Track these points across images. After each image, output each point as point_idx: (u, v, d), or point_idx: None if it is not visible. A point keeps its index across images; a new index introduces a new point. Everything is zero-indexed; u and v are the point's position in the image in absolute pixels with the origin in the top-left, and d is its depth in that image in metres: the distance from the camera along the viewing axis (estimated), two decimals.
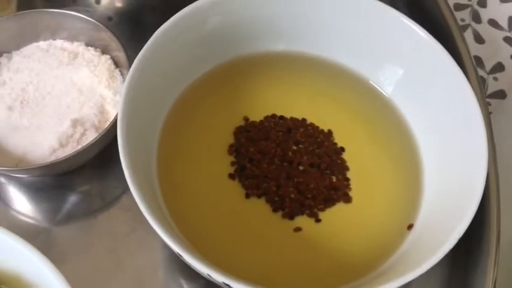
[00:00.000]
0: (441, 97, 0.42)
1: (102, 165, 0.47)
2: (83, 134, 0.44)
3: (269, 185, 0.42)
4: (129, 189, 0.35)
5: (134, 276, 0.43)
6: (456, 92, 0.41)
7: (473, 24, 0.60)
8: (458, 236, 0.34)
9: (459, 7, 0.60)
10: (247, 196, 0.42)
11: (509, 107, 0.55)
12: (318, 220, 0.41)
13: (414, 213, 0.41)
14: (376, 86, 0.46)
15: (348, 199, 0.42)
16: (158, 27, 0.41)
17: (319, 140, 0.44)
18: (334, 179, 0.43)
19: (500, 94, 0.57)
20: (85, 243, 0.44)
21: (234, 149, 0.43)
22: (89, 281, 0.42)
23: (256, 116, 0.45)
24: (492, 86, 0.57)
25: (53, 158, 0.43)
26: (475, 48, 0.58)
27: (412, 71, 0.44)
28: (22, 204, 0.46)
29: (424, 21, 0.43)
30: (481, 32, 0.59)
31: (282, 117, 0.45)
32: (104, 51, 0.49)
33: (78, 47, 0.49)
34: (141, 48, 0.40)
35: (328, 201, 0.42)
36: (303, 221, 0.41)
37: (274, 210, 0.41)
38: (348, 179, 0.43)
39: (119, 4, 0.57)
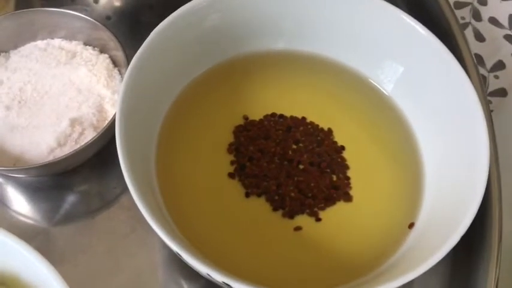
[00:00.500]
0: (442, 95, 0.42)
1: (101, 164, 0.47)
2: (81, 134, 0.44)
3: (269, 184, 0.42)
4: (128, 189, 0.34)
5: (133, 276, 0.43)
6: (457, 89, 0.40)
7: (473, 22, 0.60)
8: (460, 234, 0.34)
9: (459, 5, 0.60)
10: (247, 195, 0.41)
11: (511, 105, 0.55)
12: (318, 219, 0.41)
13: (415, 212, 0.41)
14: (376, 84, 0.46)
15: (348, 198, 0.42)
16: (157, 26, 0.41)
17: (319, 138, 0.44)
18: (334, 177, 0.42)
19: (502, 92, 0.56)
20: (84, 244, 0.44)
21: (234, 148, 0.43)
22: (88, 281, 0.42)
23: (256, 115, 0.45)
24: (493, 84, 0.57)
25: (51, 158, 0.42)
26: (475, 47, 0.58)
27: (412, 68, 0.44)
28: (20, 204, 0.46)
29: (424, 20, 0.43)
30: (481, 30, 0.59)
31: (281, 115, 0.45)
32: (102, 50, 0.49)
33: (76, 46, 0.49)
34: (139, 47, 0.40)
35: (329, 200, 0.41)
36: (303, 220, 0.41)
37: (274, 209, 0.41)
38: (348, 178, 0.42)
39: (117, 3, 0.57)
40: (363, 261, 0.39)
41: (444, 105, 0.42)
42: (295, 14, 0.45)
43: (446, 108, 0.41)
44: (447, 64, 0.41)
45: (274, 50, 0.47)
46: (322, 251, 0.40)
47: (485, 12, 0.60)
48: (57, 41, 0.49)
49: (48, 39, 0.49)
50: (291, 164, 0.43)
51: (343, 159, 0.43)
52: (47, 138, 0.43)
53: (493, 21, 0.60)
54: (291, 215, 0.41)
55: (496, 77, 0.57)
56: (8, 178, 0.46)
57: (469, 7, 0.60)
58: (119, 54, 0.46)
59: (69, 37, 0.49)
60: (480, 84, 0.47)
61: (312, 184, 0.42)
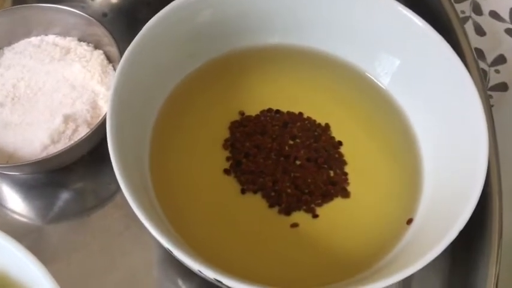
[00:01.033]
0: (440, 88, 0.41)
1: (96, 162, 0.46)
2: (75, 130, 0.43)
3: (265, 180, 0.41)
4: None
5: (128, 275, 0.42)
6: (456, 82, 0.40)
7: (473, 16, 0.59)
8: (458, 229, 0.33)
9: None
10: (243, 192, 0.41)
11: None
12: (315, 216, 0.40)
13: (414, 208, 0.40)
14: (373, 77, 0.45)
15: (346, 194, 0.41)
16: None
17: (316, 134, 0.43)
18: (331, 173, 0.42)
19: (502, 87, 0.56)
20: (78, 242, 0.43)
21: (230, 144, 0.42)
22: (82, 280, 0.42)
23: (252, 111, 0.44)
24: (494, 79, 0.56)
25: (44, 155, 0.42)
26: (476, 41, 0.57)
27: (409, 61, 0.43)
28: (14, 202, 0.45)
29: (423, 14, 0.42)
30: (482, 24, 0.58)
31: (278, 111, 0.44)
32: (97, 47, 0.48)
33: (71, 42, 0.48)
34: None
35: (326, 196, 0.41)
36: (300, 216, 0.40)
37: (271, 205, 0.40)
38: (345, 174, 0.42)
39: (114, 0, 0.56)
40: (361, 257, 0.39)
41: (442, 98, 0.41)
42: (290, 8, 0.44)
43: (444, 102, 0.41)
44: (445, 57, 0.40)
45: (270, 45, 0.46)
46: (319, 247, 0.39)
47: (486, 5, 0.59)
48: (51, 37, 0.48)
49: (42, 35, 0.49)
50: (288, 160, 0.42)
51: (341, 155, 0.43)
52: (40, 135, 0.43)
53: (494, 14, 0.59)
54: (287, 211, 0.40)
55: (497, 71, 0.56)
56: (1, 176, 0.46)
57: (469, 1, 0.60)
58: (113, 50, 0.46)
59: (64, 33, 0.49)
60: (480, 78, 0.46)
61: (309, 180, 0.41)
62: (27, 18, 0.48)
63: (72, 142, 0.42)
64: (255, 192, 0.41)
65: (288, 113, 0.44)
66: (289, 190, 0.41)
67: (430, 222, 0.37)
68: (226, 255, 0.38)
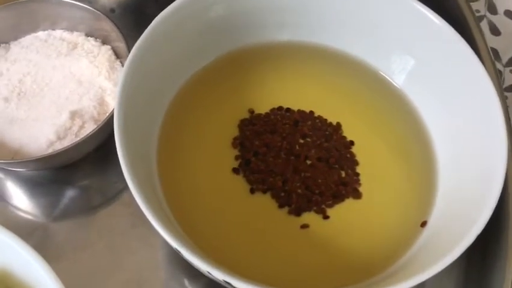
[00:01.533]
0: (456, 88, 0.40)
1: (102, 159, 0.46)
2: (81, 127, 0.43)
3: (275, 179, 0.40)
4: None
5: (134, 274, 0.42)
6: (473, 82, 0.39)
7: (488, 15, 0.58)
8: (475, 234, 0.32)
9: None
10: (252, 191, 0.40)
11: None
12: (326, 217, 0.39)
13: (428, 210, 0.39)
14: (386, 76, 0.45)
15: (357, 195, 0.40)
16: None
17: (327, 133, 0.42)
18: (343, 173, 0.41)
19: None
20: (83, 240, 0.43)
21: (239, 142, 0.42)
22: (87, 279, 0.41)
23: (262, 109, 0.43)
24: (509, 79, 0.55)
25: (50, 151, 0.41)
26: (490, 40, 0.56)
27: (425, 60, 0.42)
28: (19, 199, 0.45)
29: (438, 12, 0.41)
30: (497, 24, 0.57)
31: (288, 109, 0.43)
32: (105, 42, 0.48)
33: (78, 37, 0.48)
34: None
35: (337, 197, 0.40)
36: (310, 217, 0.39)
37: (280, 206, 0.40)
38: (357, 174, 0.41)
39: None
40: (373, 261, 0.38)
41: (459, 98, 0.40)
42: (302, 4, 0.43)
43: (461, 102, 0.40)
44: (463, 55, 0.39)
45: (281, 41, 0.46)
46: (330, 249, 0.38)
47: (501, 5, 0.58)
48: (58, 32, 0.48)
49: (49, 30, 0.48)
50: (298, 160, 0.41)
51: (352, 155, 0.42)
52: (46, 132, 0.42)
53: (509, 14, 0.58)
54: (297, 212, 0.39)
55: None
56: (7, 172, 0.45)
57: (484, 0, 0.58)
58: (121, 46, 0.45)
59: (71, 28, 0.48)
60: (497, 78, 0.45)
61: (320, 180, 0.40)
62: (35, 12, 0.47)
63: (78, 139, 0.41)
64: (264, 192, 0.40)
65: (299, 111, 0.43)
66: (299, 190, 0.40)
67: (445, 226, 0.36)
68: (234, 256, 0.38)
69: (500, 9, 0.58)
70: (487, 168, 0.36)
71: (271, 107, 0.43)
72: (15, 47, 0.47)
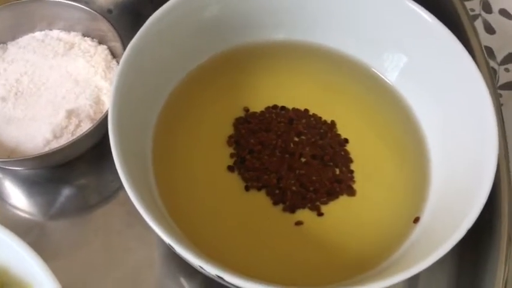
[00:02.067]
0: (449, 85, 0.40)
1: (99, 158, 0.46)
2: (77, 126, 0.43)
3: (270, 177, 0.40)
4: None
5: (130, 272, 0.42)
6: (465, 80, 0.39)
7: (483, 14, 0.58)
8: (466, 228, 0.32)
9: None
10: (247, 189, 0.40)
11: None
12: (320, 214, 0.40)
13: (421, 206, 0.39)
14: (379, 74, 0.45)
15: (351, 192, 0.40)
16: None
17: (322, 131, 0.43)
18: (337, 171, 0.41)
19: None
20: (80, 238, 0.43)
21: (234, 140, 0.42)
22: (83, 276, 0.41)
23: (257, 107, 0.44)
24: (503, 77, 0.55)
25: (46, 150, 0.41)
26: (485, 39, 0.56)
27: (417, 58, 0.42)
28: (16, 197, 0.45)
29: (432, 11, 0.41)
30: (491, 22, 0.58)
31: (283, 107, 0.44)
32: (101, 42, 0.48)
33: (75, 37, 0.48)
34: None
35: (331, 194, 0.40)
36: (304, 214, 0.39)
37: (275, 203, 0.40)
38: (351, 171, 0.41)
39: None
40: (367, 256, 0.38)
41: (451, 96, 0.40)
42: (296, 4, 0.44)
43: (453, 99, 0.40)
44: (455, 53, 0.39)
45: (276, 40, 0.46)
46: (324, 246, 0.38)
47: (496, 3, 0.59)
48: (55, 32, 0.48)
49: (46, 30, 0.48)
50: (293, 157, 0.41)
51: (347, 152, 0.42)
52: (42, 130, 0.42)
53: (504, 13, 0.58)
54: (292, 209, 0.40)
55: (507, 70, 0.55)
56: (4, 171, 0.46)
57: None
58: (118, 46, 0.46)
59: (68, 28, 0.48)
60: (490, 76, 0.46)
61: (314, 178, 0.41)
62: (32, 12, 0.47)
63: (74, 137, 0.41)
64: (259, 189, 0.40)
65: (294, 109, 0.44)
66: (294, 188, 0.40)
67: (437, 221, 0.37)
68: (230, 253, 0.38)
69: (495, 8, 0.59)
70: (478, 164, 0.36)
71: (266, 106, 0.44)
72: (12, 47, 0.47)
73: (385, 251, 0.38)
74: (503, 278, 0.38)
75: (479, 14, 0.58)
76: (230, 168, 0.41)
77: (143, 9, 0.55)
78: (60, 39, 0.48)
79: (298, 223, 0.39)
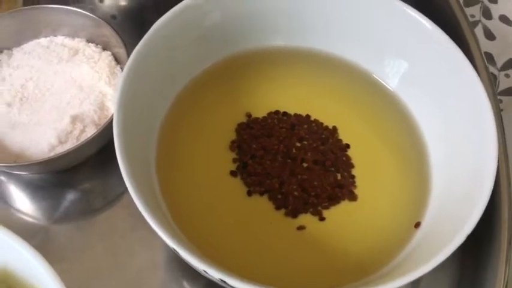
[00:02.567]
0: (449, 91, 0.41)
1: (103, 163, 0.46)
2: (82, 131, 0.43)
3: (272, 182, 0.41)
4: None
5: (134, 276, 0.42)
6: (465, 86, 0.39)
7: (483, 20, 0.59)
8: (466, 233, 0.33)
9: (469, 3, 0.59)
10: (249, 193, 0.41)
11: None
12: (322, 218, 0.40)
13: (422, 211, 0.40)
14: (380, 80, 0.45)
15: (353, 197, 0.41)
16: None
17: (323, 136, 0.43)
18: (339, 176, 0.42)
19: None
20: (84, 242, 0.43)
21: (236, 146, 0.42)
22: (88, 280, 0.42)
23: (259, 112, 0.44)
24: (503, 83, 0.56)
25: (51, 155, 0.42)
26: (485, 45, 0.57)
27: (418, 64, 0.43)
28: (21, 202, 0.45)
29: (432, 17, 0.42)
30: (492, 29, 0.58)
31: (285, 113, 0.44)
32: (105, 48, 0.48)
33: (79, 43, 0.48)
34: None
35: (333, 199, 0.41)
36: (306, 219, 0.40)
37: (277, 208, 0.40)
38: (353, 176, 0.42)
39: (122, 2, 0.56)
40: (368, 261, 0.38)
41: (451, 102, 0.41)
42: (297, 10, 0.44)
43: (453, 105, 0.40)
44: (455, 59, 0.40)
45: (277, 46, 0.46)
46: (326, 250, 0.39)
47: (496, 10, 0.59)
48: (60, 38, 0.49)
49: (51, 36, 0.49)
50: (295, 162, 0.42)
51: (348, 158, 0.42)
52: (47, 136, 0.43)
53: (504, 19, 0.59)
54: (294, 214, 0.40)
55: (507, 75, 0.56)
56: (9, 176, 0.46)
57: (479, 5, 0.59)
58: (122, 52, 0.46)
59: (72, 34, 0.49)
60: (490, 82, 0.46)
61: (316, 183, 0.41)
62: (37, 19, 0.48)
63: (79, 142, 0.42)
64: (261, 194, 0.41)
65: (295, 115, 0.44)
66: (296, 192, 0.41)
67: (438, 226, 0.37)
68: (232, 257, 0.38)
69: (495, 14, 0.59)
70: (478, 169, 0.36)
71: (268, 111, 0.44)
72: (17, 53, 0.48)
73: (387, 256, 0.38)
74: (504, 283, 0.39)
75: (480, 20, 0.59)
76: (233, 173, 0.41)
77: (146, 15, 0.56)
78: (64, 45, 0.48)
79: (300, 228, 0.39)
